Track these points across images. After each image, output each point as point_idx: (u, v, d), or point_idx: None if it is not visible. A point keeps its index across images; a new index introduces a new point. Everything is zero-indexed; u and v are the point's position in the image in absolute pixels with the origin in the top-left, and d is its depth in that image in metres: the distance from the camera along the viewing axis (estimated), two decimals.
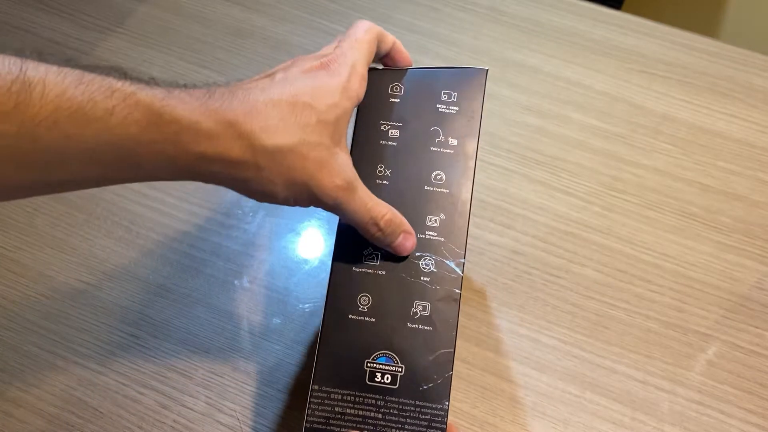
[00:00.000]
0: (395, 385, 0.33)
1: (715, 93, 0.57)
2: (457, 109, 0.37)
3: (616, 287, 0.48)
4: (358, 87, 0.33)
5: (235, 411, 0.43)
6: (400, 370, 0.33)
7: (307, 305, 0.47)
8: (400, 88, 0.37)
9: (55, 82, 0.24)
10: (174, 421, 0.43)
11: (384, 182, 0.35)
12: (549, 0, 0.63)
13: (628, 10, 0.64)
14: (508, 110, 0.56)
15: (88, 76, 0.26)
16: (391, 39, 0.37)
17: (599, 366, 0.45)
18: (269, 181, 0.30)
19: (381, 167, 0.36)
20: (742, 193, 0.52)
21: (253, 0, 0.62)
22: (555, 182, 0.52)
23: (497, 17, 0.62)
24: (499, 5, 0.63)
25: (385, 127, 0.36)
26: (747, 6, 1.42)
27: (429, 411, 0.32)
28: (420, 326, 0.33)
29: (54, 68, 0.25)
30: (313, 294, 0.47)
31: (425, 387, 0.32)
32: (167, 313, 0.46)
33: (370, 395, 0.32)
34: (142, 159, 0.27)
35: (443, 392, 0.32)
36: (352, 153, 0.36)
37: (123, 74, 0.28)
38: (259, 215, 0.50)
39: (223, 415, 0.43)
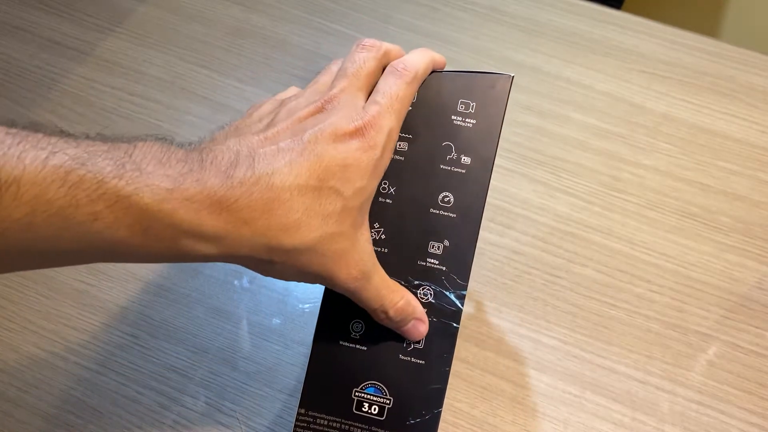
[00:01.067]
0: (382, 416, 0.32)
1: (716, 93, 0.57)
2: (474, 122, 0.33)
3: (616, 287, 0.48)
4: (388, 160, 0.30)
5: (235, 411, 0.43)
6: (388, 402, 0.32)
7: (307, 305, 0.47)
8: (414, 95, 0.33)
9: (33, 182, 0.22)
10: (174, 421, 0.43)
11: (387, 201, 0.33)
12: (549, 0, 0.63)
13: (628, 10, 0.64)
14: (508, 110, 0.56)
15: (76, 173, 0.22)
16: (432, 68, 0.33)
17: (599, 366, 0.45)
18: (280, 273, 0.29)
19: (385, 184, 0.33)
20: (742, 193, 0.52)
21: (253, 0, 0.62)
22: (555, 182, 0.52)
23: (497, 17, 0.62)
24: (499, 5, 0.62)
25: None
26: (747, 6, 1.41)
27: None
28: (412, 359, 0.32)
29: (37, 162, 0.22)
30: (313, 294, 0.47)
31: (413, 422, 0.32)
32: (167, 313, 0.46)
33: (356, 424, 0.32)
34: (134, 258, 0.26)
35: (431, 428, 0.31)
36: None
37: (130, 151, 0.24)
38: None
39: (223, 415, 0.43)
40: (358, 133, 0.28)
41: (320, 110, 0.29)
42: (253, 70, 0.58)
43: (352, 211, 0.28)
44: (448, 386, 0.44)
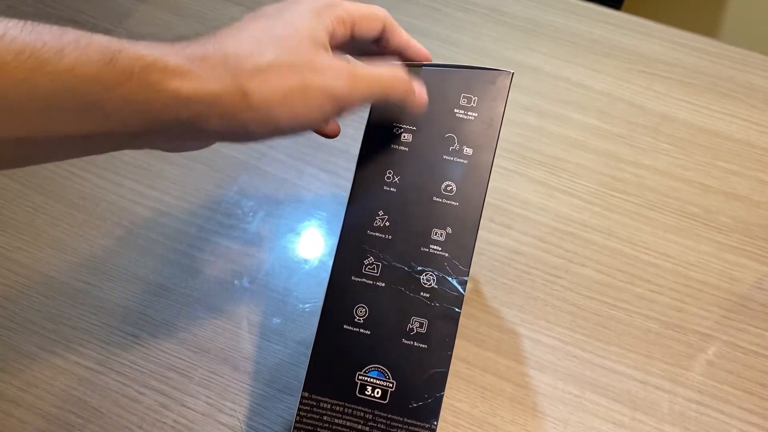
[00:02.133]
0: (385, 400, 0.32)
1: (715, 93, 0.57)
2: (476, 115, 0.34)
3: (616, 287, 0.48)
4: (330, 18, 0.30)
5: (235, 411, 0.43)
6: (391, 385, 0.32)
7: (307, 305, 0.47)
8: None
9: None
10: (174, 421, 0.43)
11: (392, 189, 0.34)
12: (549, 0, 0.63)
13: (628, 10, 0.64)
14: (508, 110, 0.56)
15: (40, 26, 0.24)
16: (379, 22, 0.33)
17: (599, 366, 0.45)
18: (265, 104, 0.27)
19: (390, 173, 0.34)
20: (742, 193, 0.52)
21: (253, 0, 0.62)
22: (555, 182, 0.52)
23: (497, 17, 0.62)
24: (499, 5, 0.62)
25: (397, 130, 0.35)
26: (747, 6, 1.42)
27: (416, 429, 0.32)
28: (415, 343, 0.33)
29: (2, 18, 0.23)
30: (313, 294, 0.47)
31: (415, 405, 0.32)
32: (167, 313, 0.46)
33: (359, 407, 0.32)
34: (109, 106, 0.24)
35: (433, 411, 0.32)
36: (361, 153, 0.35)
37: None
38: (259, 215, 0.50)
39: (223, 415, 0.43)
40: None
41: None
42: None
43: (304, 37, 0.28)
44: (448, 386, 0.44)
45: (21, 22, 0.23)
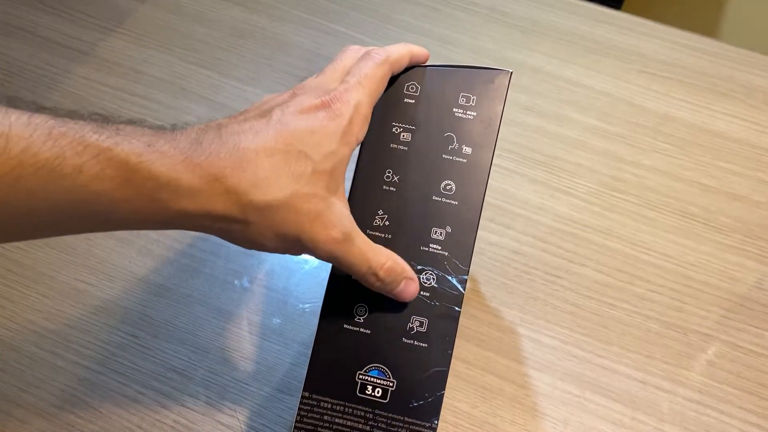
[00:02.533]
0: (385, 399, 0.32)
1: (715, 93, 0.57)
2: (475, 114, 0.34)
3: (616, 287, 0.48)
4: (359, 131, 0.31)
5: (235, 411, 0.43)
6: (391, 384, 0.32)
7: (307, 305, 0.47)
8: (416, 88, 0.35)
9: (20, 136, 0.23)
10: (174, 421, 0.43)
11: (391, 188, 0.34)
12: (549, 0, 0.63)
13: (628, 10, 0.64)
14: (508, 110, 0.56)
15: (59, 129, 0.24)
16: (409, 58, 0.34)
17: (599, 366, 0.45)
18: (259, 235, 0.29)
19: (389, 173, 0.34)
20: (742, 193, 0.52)
21: (253, 0, 0.62)
22: (555, 182, 0.52)
23: (497, 17, 0.62)
24: (499, 5, 0.63)
25: (397, 130, 0.35)
26: (747, 6, 1.42)
27: (417, 428, 0.32)
28: (415, 342, 0.32)
29: (23, 119, 0.23)
30: (313, 294, 0.47)
31: (416, 404, 0.32)
32: (167, 313, 0.46)
33: (360, 407, 0.32)
34: (117, 216, 0.26)
35: (434, 410, 0.32)
36: (360, 153, 0.35)
37: (104, 120, 0.26)
38: None
39: (223, 415, 0.43)
40: (323, 105, 0.30)
41: (292, 96, 0.31)
42: (253, 70, 0.58)
43: (323, 175, 0.29)
44: (448, 386, 0.44)
45: (45, 130, 0.24)
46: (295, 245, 0.30)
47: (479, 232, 0.50)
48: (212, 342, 0.45)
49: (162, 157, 0.26)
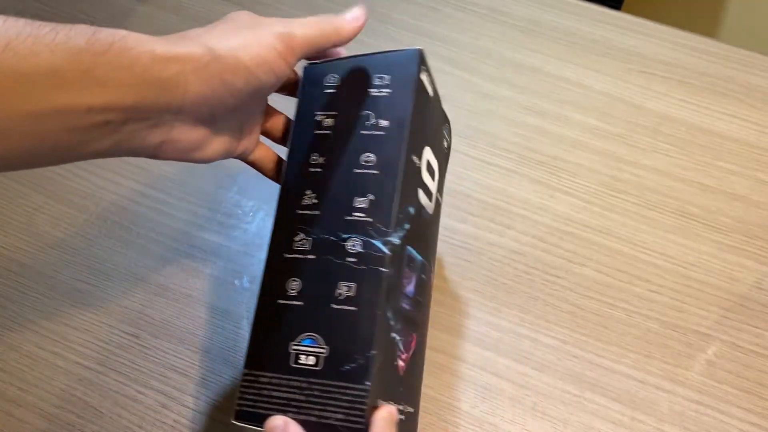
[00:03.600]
0: (318, 366, 0.32)
1: (715, 93, 0.57)
2: (390, 91, 0.36)
3: (616, 287, 0.48)
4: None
5: None
6: (323, 351, 0.32)
7: None
8: (335, 78, 0.37)
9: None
10: (174, 420, 0.43)
11: (317, 170, 0.35)
12: (549, 0, 0.63)
13: (628, 10, 0.64)
14: (508, 110, 0.56)
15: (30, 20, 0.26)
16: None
17: (599, 366, 0.45)
18: (230, 52, 0.31)
19: (315, 156, 0.36)
20: (741, 193, 0.52)
21: (252, 1, 0.62)
22: (555, 182, 0.52)
23: (497, 17, 0.62)
24: (499, 5, 0.63)
25: (319, 117, 0.37)
26: (747, 6, 1.42)
27: (351, 392, 0.31)
28: (344, 307, 0.33)
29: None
30: None
31: (348, 367, 0.32)
32: (167, 313, 0.46)
33: (295, 377, 0.32)
34: (99, 71, 0.27)
35: (366, 372, 0.31)
36: (289, 147, 0.37)
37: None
38: (259, 215, 0.51)
39: (224, 414, 0.43)
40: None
41: None
42: None
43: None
44: (448, 386, 0.44)
45: (13, 18, 0.26)
46: (249, 75, 0.32)
47: (479, 232, 0.50)
48: (213, 342, 0.45)
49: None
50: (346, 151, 0.36)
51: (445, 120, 0.43)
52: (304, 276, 0.34)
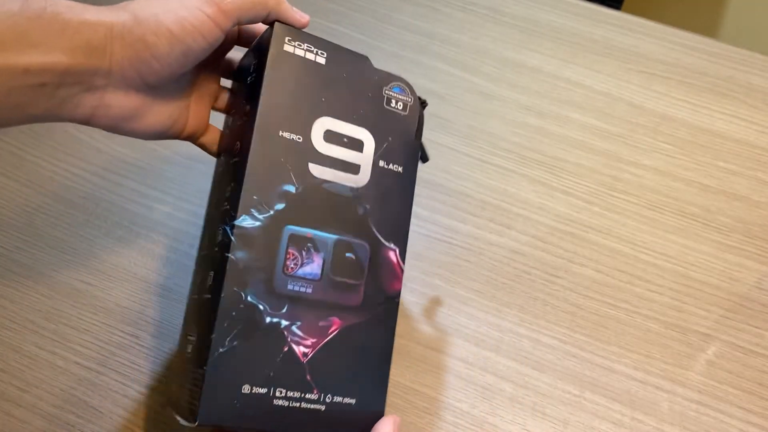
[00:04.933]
0: (190, 353, 0.34)
1: (715, 93, 0.57)
2: (255, 75, 0.35)
3: (616, 287, 0.48)
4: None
5: None
6: (192, 339, 0.34)
7: None
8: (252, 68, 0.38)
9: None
10: (174, 420, 0.42)
11: (236, 159, 0.35)
12: (549, 0, 0.63)
13: (628, 10, 0.64)
14: (508, 110, 0.56)
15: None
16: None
17: (599, 366, 0.45)
18: (152, 16, 0.31)
19: (236, 148, 0.36)
20: (742, 193, 0.52)
21: None
22: (555, 182, 0.52)
23: (497, 17, 0.62)
24: (499, 5, 0.63)
25: (229, 120, 0.39)
26: (747, 6, 1.42)
27: (197, 375, 0.32)
28: (205, 295, 0.34)
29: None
30: None
31: (199, 354, 0.32)
32: (167, 313, 0.46)
33: (188, 366, 0.34)
34: (34, 35, 0.28)
35: (205, 357, 0.31)
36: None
37: None
38: None
39: None
40: None
41: None
42: None
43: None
44: (448, 386, 0.44)
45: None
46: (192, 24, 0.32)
47: (479, 232, 0.50)
48: None
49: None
50: (233, 144, 0.36)
51: (391, 78, 0.38)
52: (198, 270, 0.37)
